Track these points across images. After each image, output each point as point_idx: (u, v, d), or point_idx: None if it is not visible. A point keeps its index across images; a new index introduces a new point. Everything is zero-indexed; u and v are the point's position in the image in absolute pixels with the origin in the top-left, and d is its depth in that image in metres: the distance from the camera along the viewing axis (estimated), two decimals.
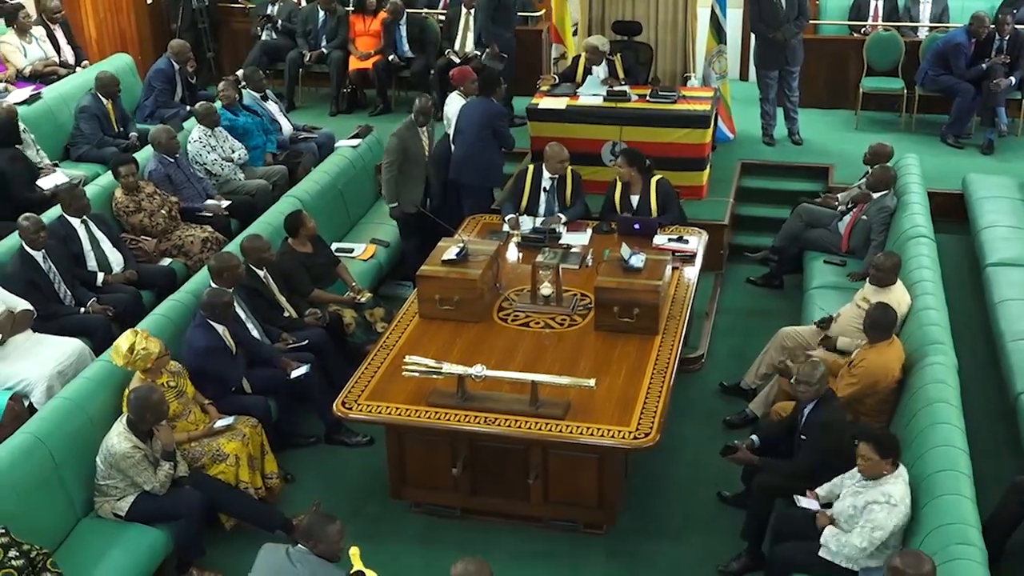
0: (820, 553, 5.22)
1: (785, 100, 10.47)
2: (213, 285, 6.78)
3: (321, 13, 11.86)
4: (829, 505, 5.42)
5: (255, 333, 6.89)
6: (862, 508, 5.10)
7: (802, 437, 5.75)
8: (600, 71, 9.61)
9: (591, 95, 9.35)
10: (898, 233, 7.76)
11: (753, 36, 10.44)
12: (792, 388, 6.50)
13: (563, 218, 7.97)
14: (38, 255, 7.16)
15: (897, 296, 6.68)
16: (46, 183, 8.56)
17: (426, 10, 12.16)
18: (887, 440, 5.16)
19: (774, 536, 5.58)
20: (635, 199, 8.03)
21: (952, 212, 9.18)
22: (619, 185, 8.07)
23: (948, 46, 10.38)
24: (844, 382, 6.16)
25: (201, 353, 6.42)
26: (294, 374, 6.69)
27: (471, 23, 11.35)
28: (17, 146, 8.52)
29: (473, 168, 8.60)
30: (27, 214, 7.24)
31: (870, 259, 7.42)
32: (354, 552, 4.77)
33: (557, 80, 9.84)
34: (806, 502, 5.47)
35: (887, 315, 6.19)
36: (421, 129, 8.49)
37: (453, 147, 8.72)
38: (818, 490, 5.53)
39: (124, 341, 5.98)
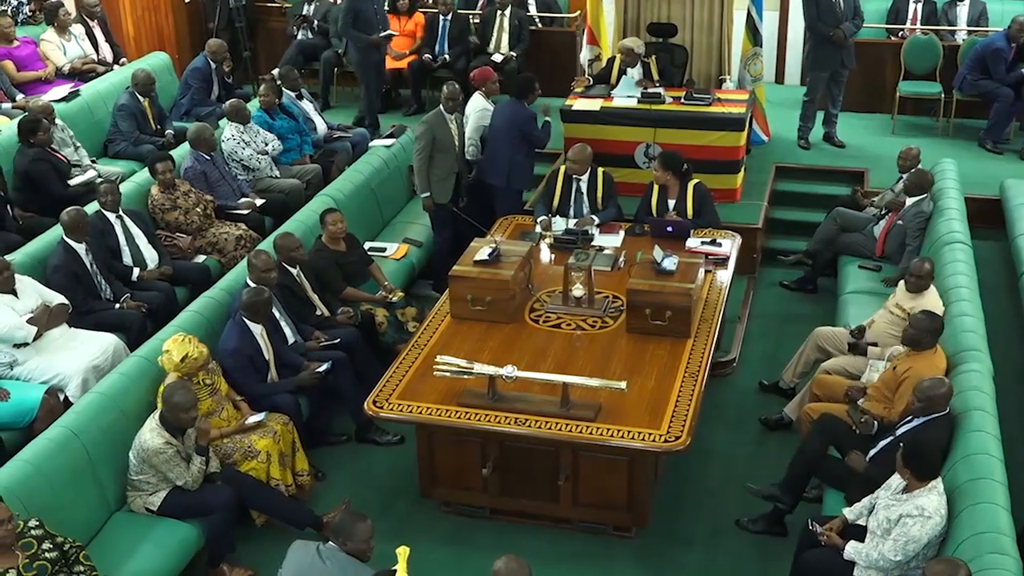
0: (855, 574, 5.16)
1: (829, 104, 10.40)
2: (249, 281, 6.83)
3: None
4: (856, 526, 5.36)
5: (288, 332, 6.93)
6: (896, 521, 5.03)
7: (899, 445, 5.67)
8: (635, 72, 9.59)
9: (625, 97, 9.33)
10: (934, 238, 7.69)
11: (809, 36, 10.29)
12: (823, 392, 6.49)
13: (596, 220, 7.97)
14: (80, 248, 7.24)
15: (931, 301, 6.62)
16: (76, 181, 8.66)
17: (462, 11, 12.17)
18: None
19: (803, 544, 5.53)
20: (671, 202, 8.02)
21: (989, 218, 9.08)
22: (656, 188, 8.06)
23: (987, 50, 10.28)
24: (903, 400, 5.95)
25: (228, 354, 6.47)
26: (318, 371, 6.70)
27: (505, 24, 11.39)
28: (50, 147, 8.58)
29: (499, 170, 8.65)
30: (68, 208, 7.33)
31: (905, 264, 7.36)
32: (402, 552, 4.74)
33: (591, 81, 9.82)
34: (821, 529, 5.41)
35: (935, 322, 6.10)
36: (450, 116, 8.47)
37: (478, 147, 8.79)
38: (846, 512, 5.44)
39: (177, 351, 6.01)
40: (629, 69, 9.62)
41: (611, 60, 9.83)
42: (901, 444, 5.30)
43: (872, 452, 5.70)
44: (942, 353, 6.13)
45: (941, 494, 5.04)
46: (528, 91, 8.68)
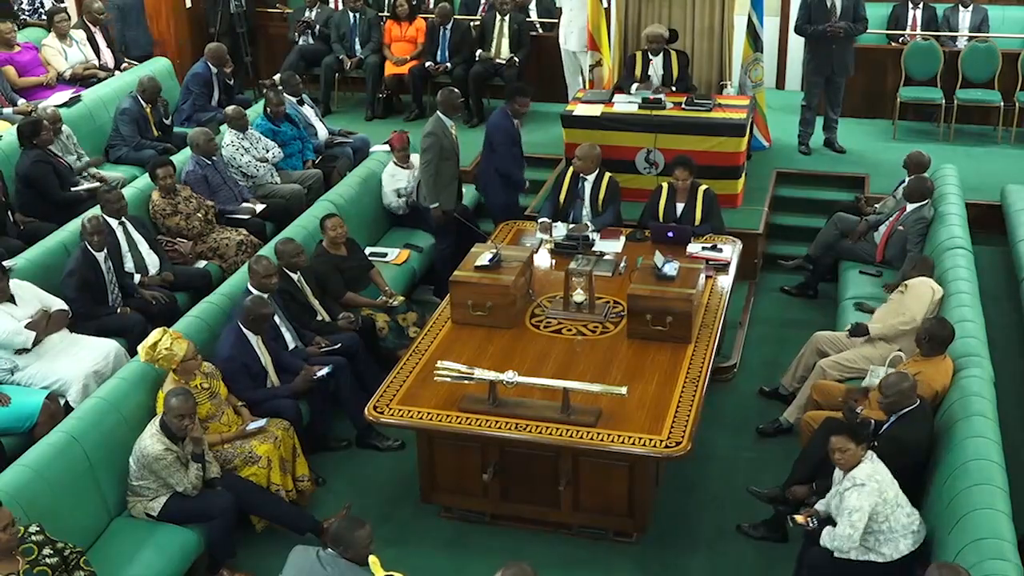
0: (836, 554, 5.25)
1: (829, 109, 10.39)
2: (250, 287, 6.83)
3: (350, 15, 11.95)
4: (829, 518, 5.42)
5: (289, 337, 6.93)
6: (839, 502, 5.16)
7: (874, 444, 5.71)
8: (658, 62, 9.61)
9: (626, 102, 9.33)
10: (935, 244, 7.71)
11: (806, 41, 10.27)
12: (823, 399, 6.49)
13: (591, 226, 7.98)
14: (100, 256, 7.27)
15: (921, 286, 6.72)
16: (80, 188, 8.68)
17: (461, 16, 12.18)
18: (860, 427, 5.24)
19: (807, 546, 5.52)
20: (680, 207, 8.05)
21: (990, 223, 9.09)
22: (665, 192, 8.08)
23: None
24: None
25: (222, 361, 6.48)
26: (317, 375, 6.71)
27: (505, 29, 11.40)
28: (50, 148, 8.59)
29: (481, 178, 8.80)
30: (90, 216, 7.37)
31: (906, 270, 7.37)
32: (373, 561, 4.77)
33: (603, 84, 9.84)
34: (801, 519, 5.47)
35: (944, 329, 6.11)
36: (449, 122, 8.46)
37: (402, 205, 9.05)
38: (817, 505, 5.50)
39: (151, 337, 6.05)
40: (653, 58, 9.63)
41: (632, 56, 9.84)
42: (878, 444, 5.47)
43: None
44: (951, 361, 6.14)
45: (873, 461, 5.17)
46: (511, 97, 8.71)
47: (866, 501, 5.06)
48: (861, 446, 5.14)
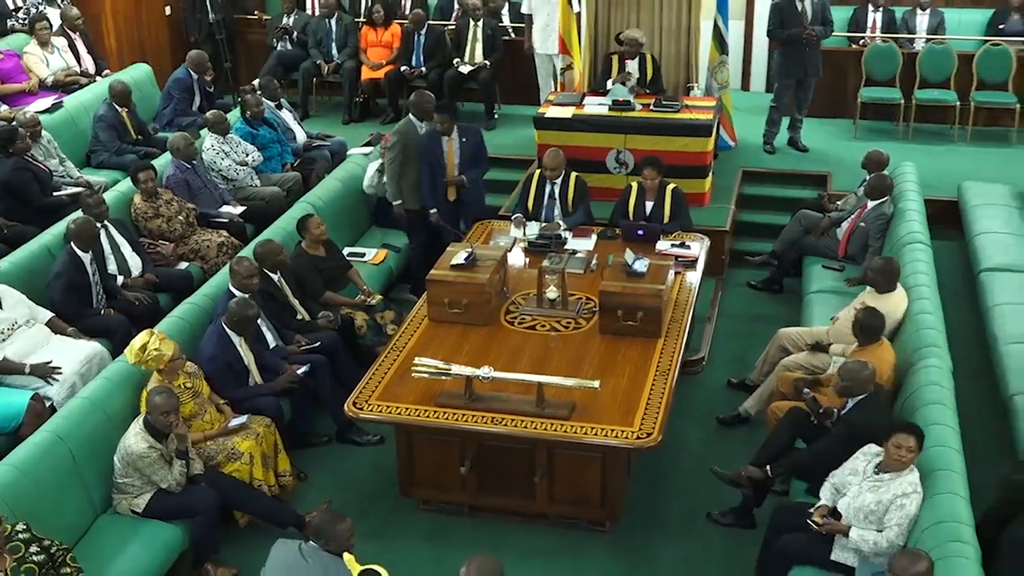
0: (834, 557, 5.26)
1: (795, 111, 10.58)
2: (232, 288, 6.90)
3: (327, 21, 12.07)
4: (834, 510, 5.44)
5: (269, 337, 7.03)
6: (888, 503, 5.11)
7: (829, 428, 5.86)
8: (634, 66, 9.73)
9: (596, 104, 9.46)
10: (895, 239, 7.87)
11: (776, 45, 10.40)
12: (787, 390, 6.65)
13: (562, 224, 8.10)
14: (86, 257, 7.34)
15: (895, 301, 6.80)
16: (63, 193, 8.75)
17: (436, 22, 12.31)
18: (921, 432, 5.20)
19: (773, 529, 5.64)
20: (649, 205, 8.18)
21: (948, 219, 9.27)
22: (634, 192, 8.21)
23: None
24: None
25: (205, 360, 6.55)
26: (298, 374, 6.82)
27: (479, 34, 11.54)
28: (26, 155, 8.63)
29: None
30: (76, 216, 7.42)
31: (867, 264, 7.56)
32: (349, 559, 4.86)
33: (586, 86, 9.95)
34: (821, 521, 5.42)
35: (874, 319, 6.29)
36: (420, 124, 8.54)
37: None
38: (824, 500, 5.46)
39: (139, 340, 6.10)
40: (628, 62, 9.75)
41: (608, 57, 9.94)
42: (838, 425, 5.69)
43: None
44: (888, 346, 6.32)
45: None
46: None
47: (916, 510, 5.08)
48: (920, 441, 5.11)
